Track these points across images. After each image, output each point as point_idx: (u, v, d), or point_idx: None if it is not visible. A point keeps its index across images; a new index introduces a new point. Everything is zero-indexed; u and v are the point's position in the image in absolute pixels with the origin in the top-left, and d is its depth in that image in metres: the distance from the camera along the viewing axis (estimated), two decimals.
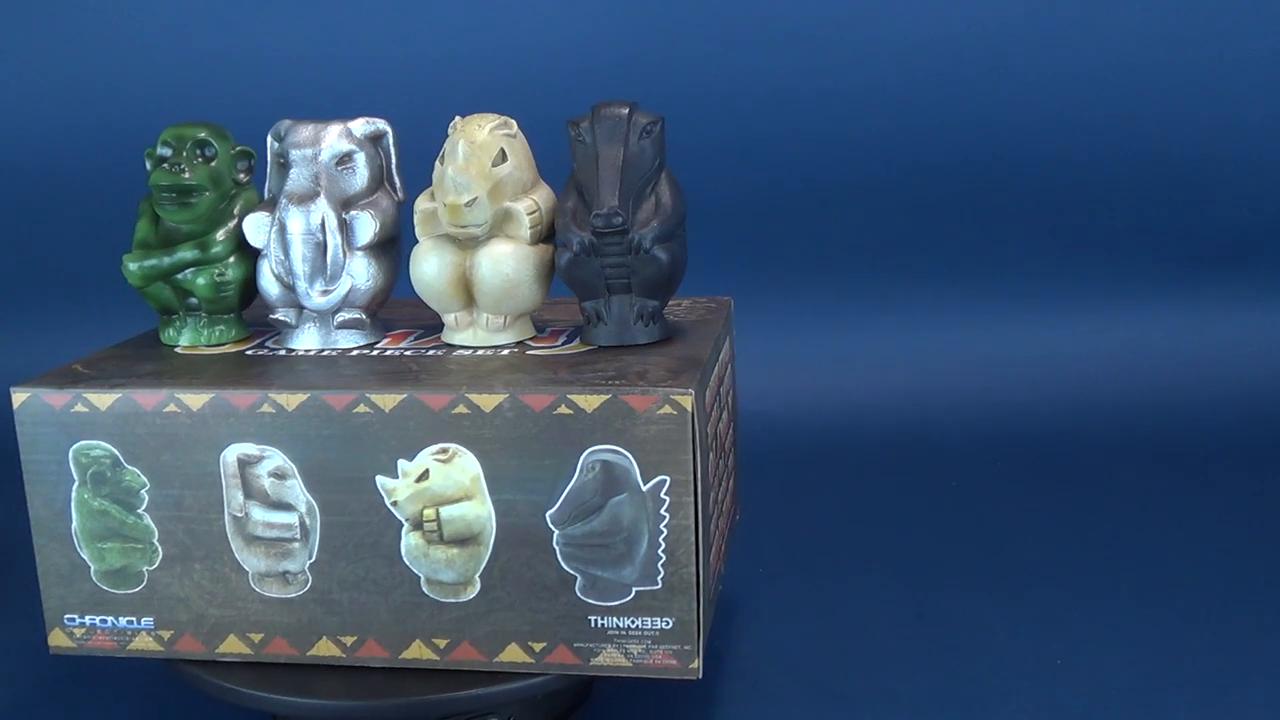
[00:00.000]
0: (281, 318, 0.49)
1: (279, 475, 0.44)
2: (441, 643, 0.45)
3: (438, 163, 0.48)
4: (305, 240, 0.47)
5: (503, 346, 0.48)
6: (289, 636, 0.45)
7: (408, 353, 0.48)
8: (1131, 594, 0.62)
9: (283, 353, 0.48)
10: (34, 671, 0.56)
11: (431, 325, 0.51)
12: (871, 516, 0.73)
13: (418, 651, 0.45)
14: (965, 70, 0.93)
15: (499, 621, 0.44)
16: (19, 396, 0.45)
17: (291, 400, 0.44)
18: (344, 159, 0.48)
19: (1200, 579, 0.63)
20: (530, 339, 0.49)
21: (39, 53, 0.95)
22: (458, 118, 0.48)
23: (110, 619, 0.46)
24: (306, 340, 0.49)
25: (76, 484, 0.45)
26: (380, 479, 0.44)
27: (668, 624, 0.43)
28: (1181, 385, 0.88)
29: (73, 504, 0.45)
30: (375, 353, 0.48)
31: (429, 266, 0.47)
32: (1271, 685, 0.53)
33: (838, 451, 0.83)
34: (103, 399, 0.44)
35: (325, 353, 0.48)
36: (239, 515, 0.45)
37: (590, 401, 0.42)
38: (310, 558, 0.45)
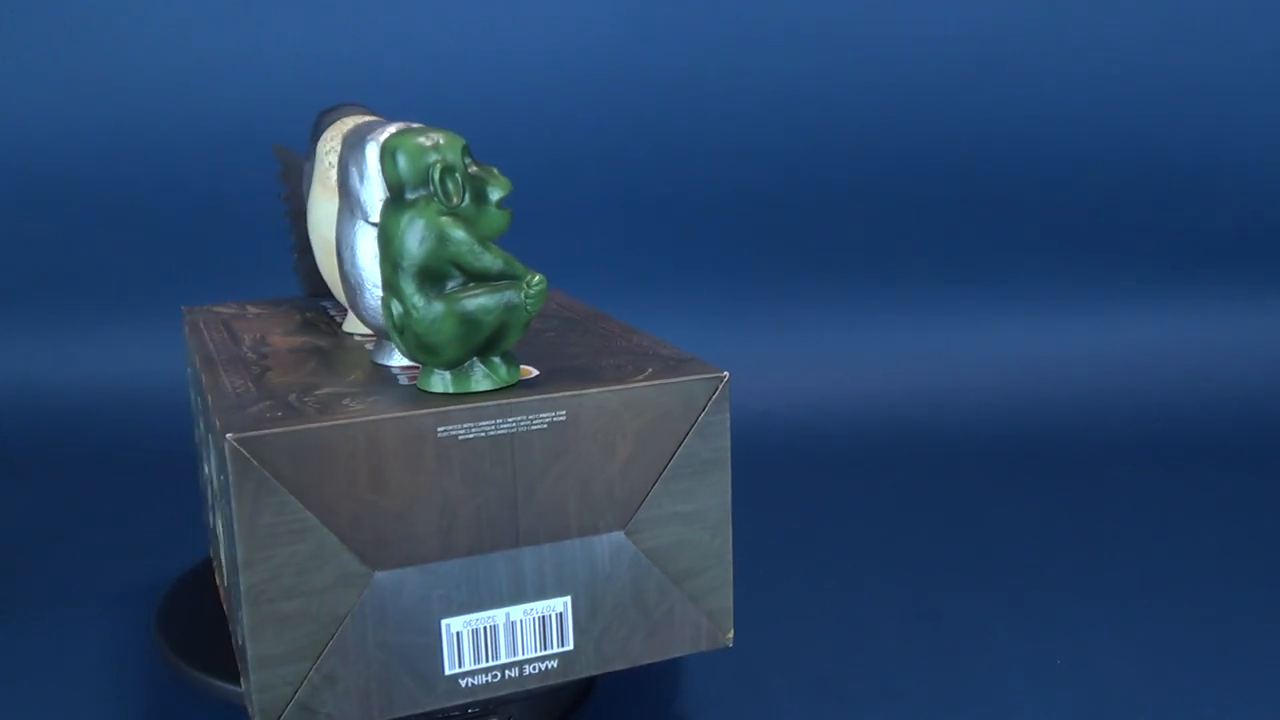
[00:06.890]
0: None
1: None
2: None
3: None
4: None
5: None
6: None
7: None
8: (1131, 594, 0.62)
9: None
10: None
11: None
12: (872, 516, 0.72)
13: None
14: (965, 71, 0.91)
15: None
16: None
17: None
18: None
19: (1200, 579, 0.63)
20: None
21: (39, 53, 0.91)
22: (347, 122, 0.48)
23: None
24: None
25: None
26: None
27: None
28: (1181, 385, 0.90)
29: None
30: None
31: None
32: (1272, 685, 0.53)
33: (838, 451, 0.83)
34: None
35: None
36: None
37: None
38: None
